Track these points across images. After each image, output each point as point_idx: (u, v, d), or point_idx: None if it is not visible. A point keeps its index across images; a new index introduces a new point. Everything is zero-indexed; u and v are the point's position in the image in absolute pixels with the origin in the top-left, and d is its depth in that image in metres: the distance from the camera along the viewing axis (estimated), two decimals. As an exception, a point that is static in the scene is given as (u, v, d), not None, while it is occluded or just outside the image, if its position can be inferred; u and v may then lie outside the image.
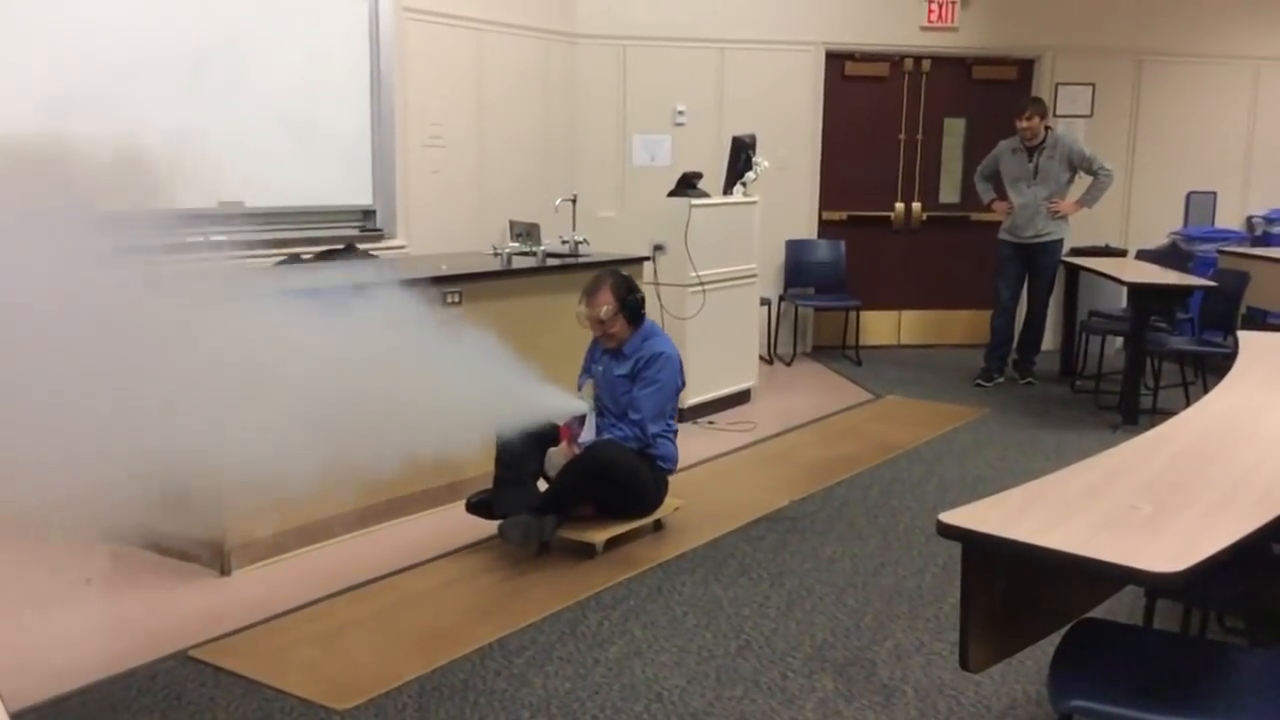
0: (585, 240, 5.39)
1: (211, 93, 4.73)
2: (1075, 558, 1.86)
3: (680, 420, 4.76)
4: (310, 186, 5.54)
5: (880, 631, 3.38)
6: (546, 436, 3.98)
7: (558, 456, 3.98)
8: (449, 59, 6.18)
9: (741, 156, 6.28)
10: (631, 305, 4.06)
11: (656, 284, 5.74)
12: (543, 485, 4.03)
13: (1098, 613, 2.46)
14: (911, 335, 8.38)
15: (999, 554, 2.00)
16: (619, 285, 4.05)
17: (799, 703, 2.93)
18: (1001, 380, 7.06)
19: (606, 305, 4.01)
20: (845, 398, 6.62)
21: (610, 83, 7.49)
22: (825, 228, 8.09)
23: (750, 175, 6.24)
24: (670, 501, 4.21)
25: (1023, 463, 5.23)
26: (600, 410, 4.09)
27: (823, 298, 7.85)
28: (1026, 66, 8.24)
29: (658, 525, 4.23)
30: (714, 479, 4.99)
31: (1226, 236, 8.15)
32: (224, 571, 3.70)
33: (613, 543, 3.97)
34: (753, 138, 6.34)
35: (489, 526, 3.94)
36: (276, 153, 5.17)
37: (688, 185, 6.01)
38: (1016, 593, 2.16)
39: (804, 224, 7.97)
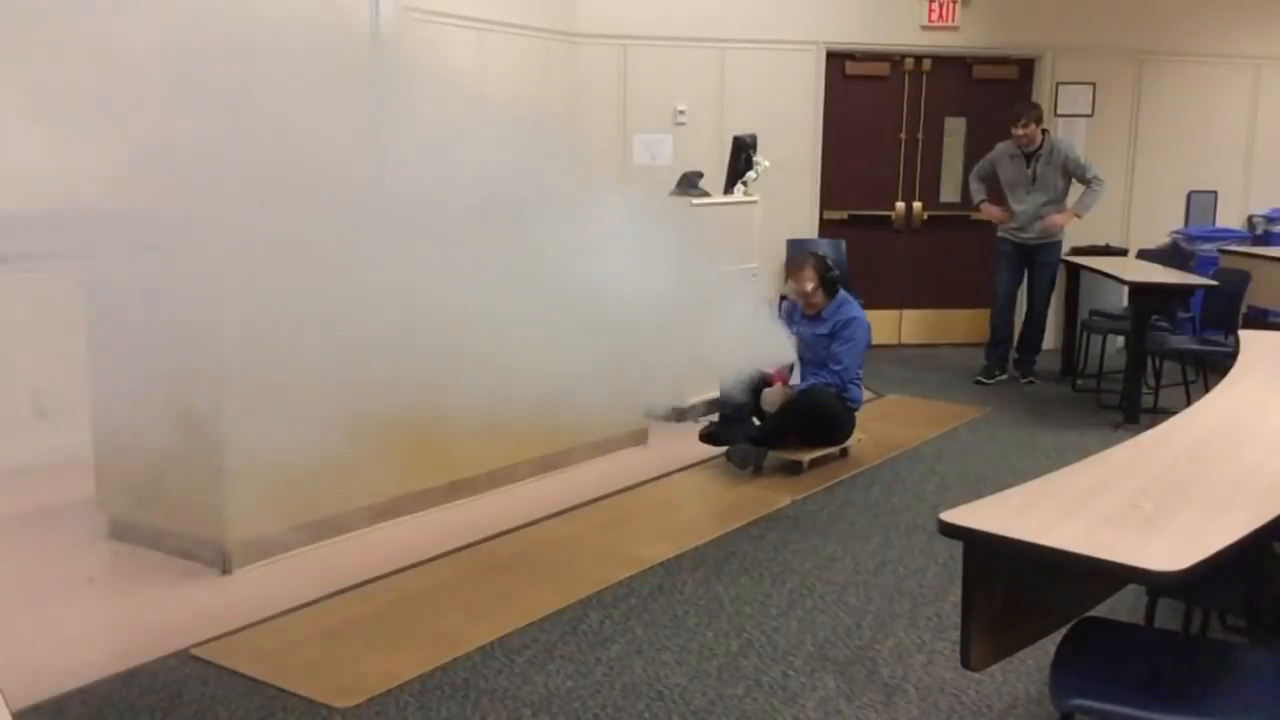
0: (587, 239, 5.39)
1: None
2: (1077, 556, 1.86)
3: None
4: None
5: (881, 630, 3.38)
6: (757, 382, 4.91)
7: (773, 396, 4.97)
8: (449, 59, 6.18)
9: (742, 156, 6.28)
10: (829, 280, 5.10)
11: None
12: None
13: (1099, 611, 2.46)
14: (912, 334, 8.37)
15: (1000, 553, 2.00)
16: (818, 264, 5.11)
17: (800, 701, 2.93)
18: (1004, 377, 7.07)
19: (810, 281, 5.06)
20: (846, 397, 6.61)
21: (611, 82, 7.49)
22: (826, 227, 8.08)
23: (751, 175, 6.24)
24: (856, 434, 5.20)
25: (1024, 462, 5.23)
26: (802, 361, 5.12)
27: (823, 297, 7.84)
28: (1027, 66, 8.23)
29: (844, 452, 5.22)
30: (715, 478, 4.99)
31: (1227, 236, 8.15)
32: (225, 570, 3.69)
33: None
34: (753, 137, 6.34)
35: (499, 521, 4.00)
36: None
37: (688, 185, 6.01)
38: (1018, 591, 2.16)
39: (805, 223, 7.97)
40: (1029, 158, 6.80)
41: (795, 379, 5.12)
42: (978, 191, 7.08)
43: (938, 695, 2.97)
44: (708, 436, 5.07)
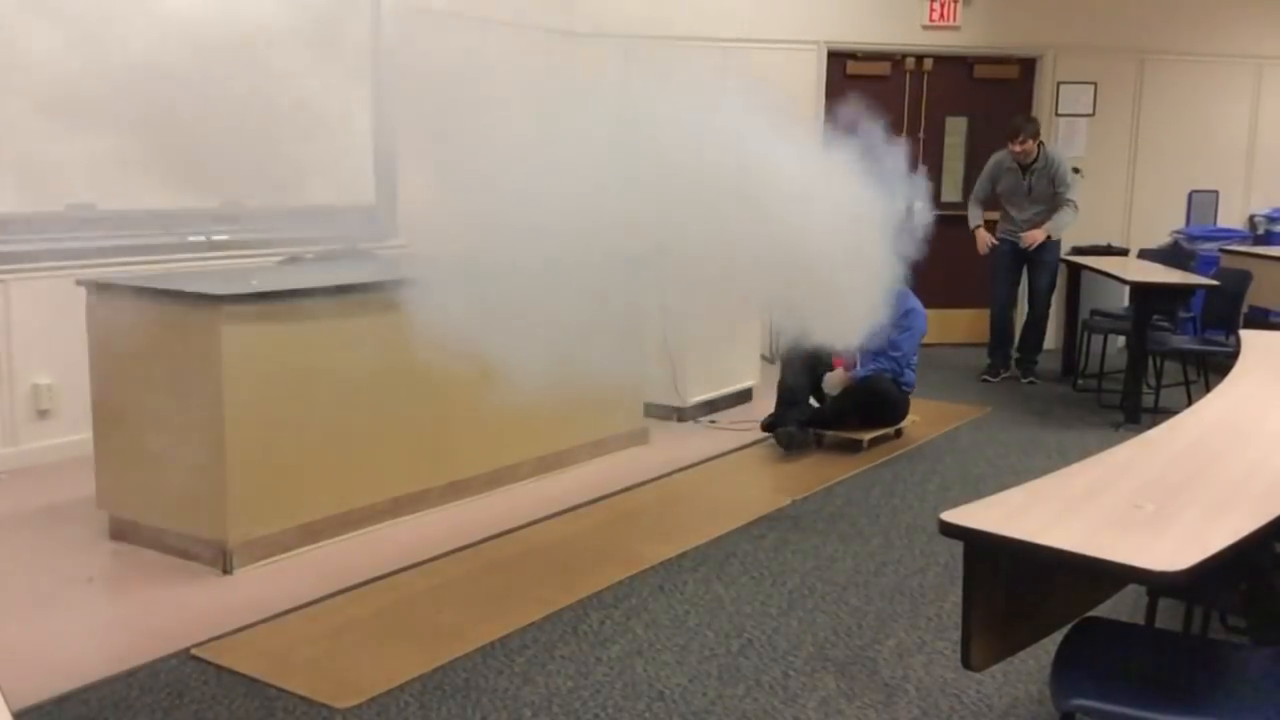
0: (589, 238, 5.45)
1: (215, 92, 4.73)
2: (1077, 556, 1.86)
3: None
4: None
5: (882, 630, 3.38)
6: (818, 367, 5.41)
7: (835, 380, 5.43)
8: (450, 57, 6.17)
9: (743, 156, 6.28)
10: None
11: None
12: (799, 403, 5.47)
13: (1100, 611, 2.46)
14: (913, 334, 8.35)
15: (1001, 553, 2.00)
16: None
17: (801, 701, 2.93)
18: (1008, 374, 7.10)
19: None
20: (847, 397, 6.61)
21: (612, 82, 7.47)
22: (827, 227, 8.07)
23: (752, 174, 6.25)
24: (910, 415, 5.63)
25: (1025, 461, 5.23)
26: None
27: (824, 297, 7.86)
28: (1028, 65, 8.23)
29: (898, 432, 5.63)
30: (715, 478, 5.00)
31: (1228, 235, 8.15)
32: (226, 570, 3.69)
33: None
34: (754, 137, 6.35)
35: (499, 521, 4.05)
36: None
37: (690, 185, 6.02)
38: (1018, 592, 2.16)
39: (805, 223, 7.96)
40: (1025, 169, 6.84)
41: (856, 363, 5.50)
42: (975, 215, 7.12)
43: (938, 695, 2.97)
44: (769, 426, 5.40)
